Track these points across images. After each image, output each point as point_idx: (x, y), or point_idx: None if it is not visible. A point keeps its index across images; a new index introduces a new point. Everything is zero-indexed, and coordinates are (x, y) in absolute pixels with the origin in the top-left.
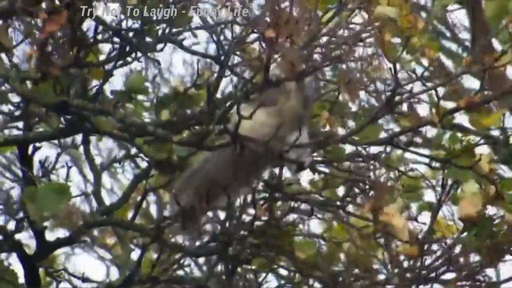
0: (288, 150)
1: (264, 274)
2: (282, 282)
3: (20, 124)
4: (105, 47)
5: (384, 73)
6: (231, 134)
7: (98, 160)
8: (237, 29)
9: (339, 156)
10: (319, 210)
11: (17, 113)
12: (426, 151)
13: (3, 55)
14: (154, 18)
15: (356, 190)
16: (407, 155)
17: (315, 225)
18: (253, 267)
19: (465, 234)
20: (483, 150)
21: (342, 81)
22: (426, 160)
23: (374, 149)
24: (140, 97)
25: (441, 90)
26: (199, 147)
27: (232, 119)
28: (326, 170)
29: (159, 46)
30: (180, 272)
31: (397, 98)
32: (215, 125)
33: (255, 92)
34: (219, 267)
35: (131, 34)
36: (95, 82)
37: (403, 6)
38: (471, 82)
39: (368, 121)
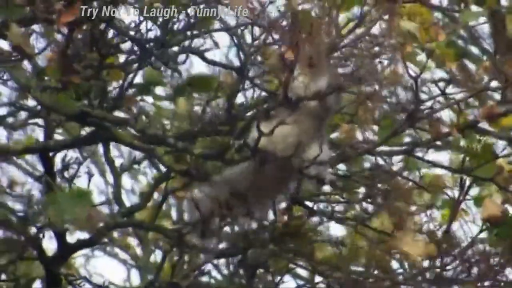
0: (309, 166)
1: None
2: (301, 283)
3: (40, 121)
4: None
5: (405, 80)
6: (251, 149)
7: (120, 161)
8: (256, 31)
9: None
10: (338, 224)
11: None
12: (445, 153)
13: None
14: (175, 27)
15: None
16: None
17: (335, 225)
18: (271, 269)
19: (483, 234)
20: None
21: (363, 97)
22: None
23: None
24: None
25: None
26: (219, 160)
27: (251, 133)
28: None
29: (181, 57)
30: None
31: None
32: (235, 140)
33: (275, 108)
34: (239, 271)
35: (151, 43)
36: (114, 84)
37: (424, 17)
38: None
39: (390, 135)
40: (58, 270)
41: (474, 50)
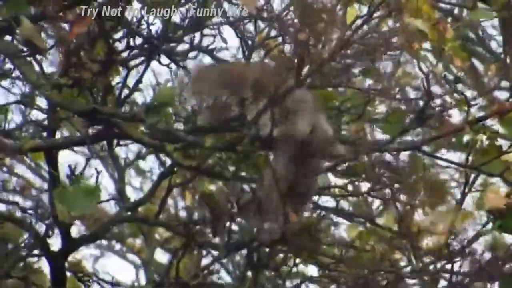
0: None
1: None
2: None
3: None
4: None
5: (415, 80)
6: (265, 138)
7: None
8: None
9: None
10: (347, 220)
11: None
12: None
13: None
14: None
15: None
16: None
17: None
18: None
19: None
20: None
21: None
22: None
23: None
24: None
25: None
26: (232, 151)
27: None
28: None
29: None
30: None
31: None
32: (248, 130)
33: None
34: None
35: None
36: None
37: (431, 15)
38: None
39: (399, 133)
40: (63, 264)
41: (482, 51)
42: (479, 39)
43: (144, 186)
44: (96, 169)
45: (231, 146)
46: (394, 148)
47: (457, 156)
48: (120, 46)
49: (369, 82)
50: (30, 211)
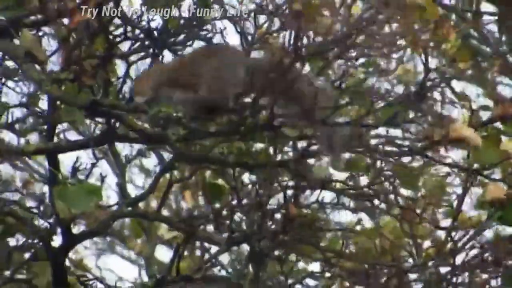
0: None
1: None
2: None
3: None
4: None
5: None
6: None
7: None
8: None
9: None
10: (353, 201)
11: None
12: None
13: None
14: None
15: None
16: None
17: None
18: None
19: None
20: None
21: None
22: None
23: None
24: None
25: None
26: (236, 135)
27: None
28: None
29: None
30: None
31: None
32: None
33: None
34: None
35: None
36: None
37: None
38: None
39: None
40: (63, 261)
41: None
42: (481, 36)
43: (146, 184)
44: (101, 174)
45: (235, 130)
46: (396, 153)
47: (459, 154)
48: (119, 39)
49: (370, 80)
50: (34, 210)
